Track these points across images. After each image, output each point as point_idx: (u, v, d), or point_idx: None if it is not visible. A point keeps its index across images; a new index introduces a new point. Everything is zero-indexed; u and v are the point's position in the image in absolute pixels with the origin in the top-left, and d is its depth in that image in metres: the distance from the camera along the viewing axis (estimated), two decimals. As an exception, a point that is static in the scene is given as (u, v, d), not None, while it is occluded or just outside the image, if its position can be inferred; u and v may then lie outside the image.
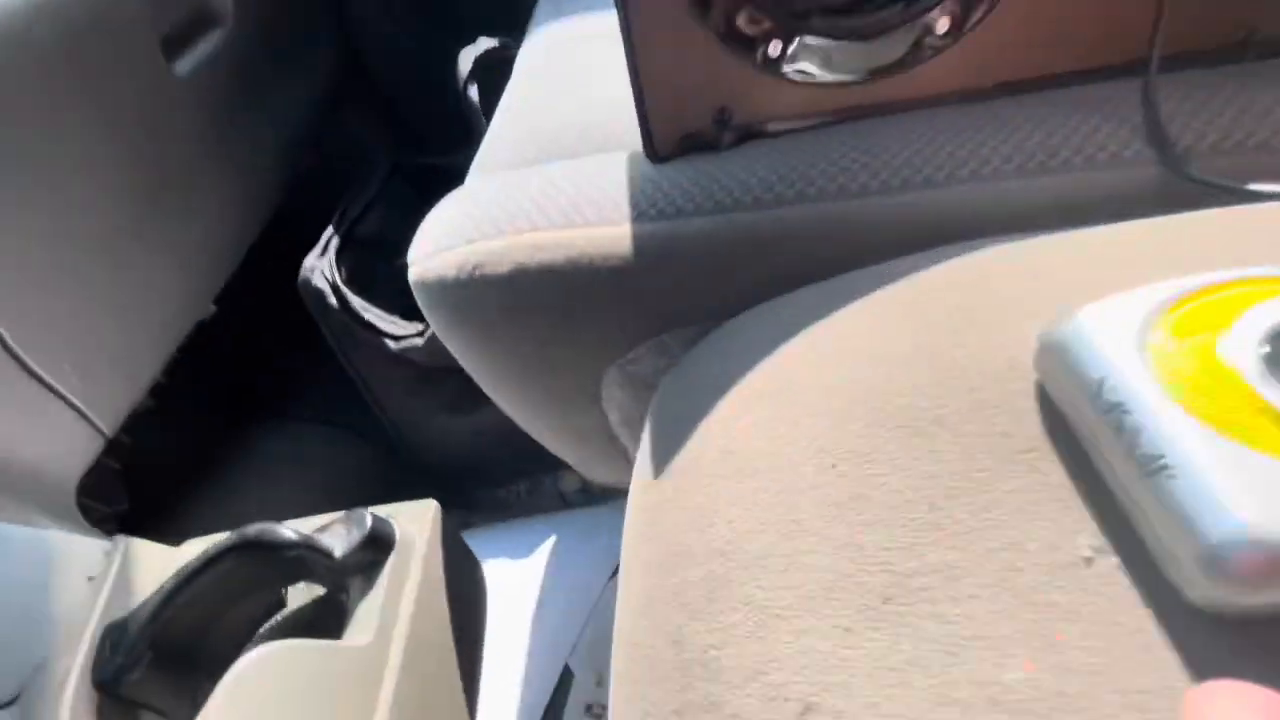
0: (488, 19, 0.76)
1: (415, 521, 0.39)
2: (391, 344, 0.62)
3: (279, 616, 0.38)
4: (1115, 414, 0.15)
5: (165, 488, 0.71)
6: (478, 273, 0.31)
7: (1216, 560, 0.12)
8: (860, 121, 0.31)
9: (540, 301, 0.31)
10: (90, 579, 0.37)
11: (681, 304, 0.30)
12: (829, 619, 0.18)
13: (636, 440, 0.38)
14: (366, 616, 0.34)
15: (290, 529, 0.34)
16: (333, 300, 0.62)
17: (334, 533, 0.36)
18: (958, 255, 0.23)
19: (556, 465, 0.50)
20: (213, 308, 0.74)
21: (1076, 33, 0.29)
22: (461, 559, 0.41)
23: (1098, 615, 0.13)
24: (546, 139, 0.40)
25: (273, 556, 0.34)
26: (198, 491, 0.74)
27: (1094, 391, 0.16)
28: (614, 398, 0.35)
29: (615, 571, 0.59)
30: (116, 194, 0.57)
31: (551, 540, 0.62)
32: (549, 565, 0.60)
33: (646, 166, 0.33)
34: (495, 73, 0.61)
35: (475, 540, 0.70)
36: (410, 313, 0.65)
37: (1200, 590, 0.13)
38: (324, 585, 0.38)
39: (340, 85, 0.85)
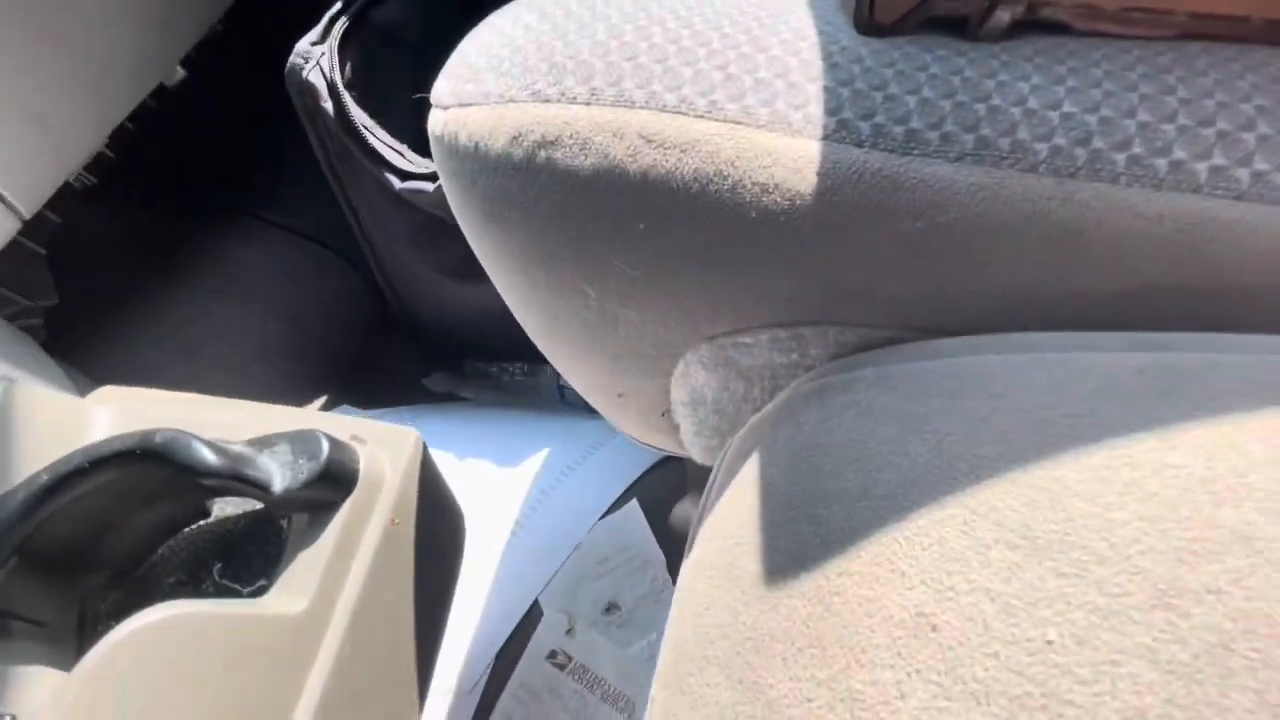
0: None
1: (388, 453, 0.30)
2: (395, 181, 0.49)
3: (200, 525, 0.30)
4: None
5: (103, 282, 0.61)
6: (542, 155, 0.19)
7: None
8: (1230, 49, 0.18)
9: (631, 229, 0.19)
10: (-40, 430, 0.28)
11: (864, 292, 0.18)
12: None
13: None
14: (305, 574, 0.26)
15: (211, 448, 0.24)
16: (327, 104, 0.48)
17: (277, 455, 0.27)
18: None
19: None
20: (180, 71, 0.59)
21: None
22: (439, 509, 0.33)
23: None
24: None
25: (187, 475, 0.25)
26: (143, 292, 0.64)
27: None
28: (692, 376, 0.24)
29: (608, 511, 0.53)
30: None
31: (544, 452, 0.55)
32: (535, 480, 0.53)
33: (852, 39, 0.19)
34: None
35: (456, 424, 0.62)
36: (426, 142, 0.51)
37: None
38: (258, 502, 0.29)
39: None
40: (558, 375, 0.68)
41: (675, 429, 0.30)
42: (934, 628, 0.12)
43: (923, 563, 0.13)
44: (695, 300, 0.20)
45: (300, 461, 0.26)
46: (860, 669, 0.13)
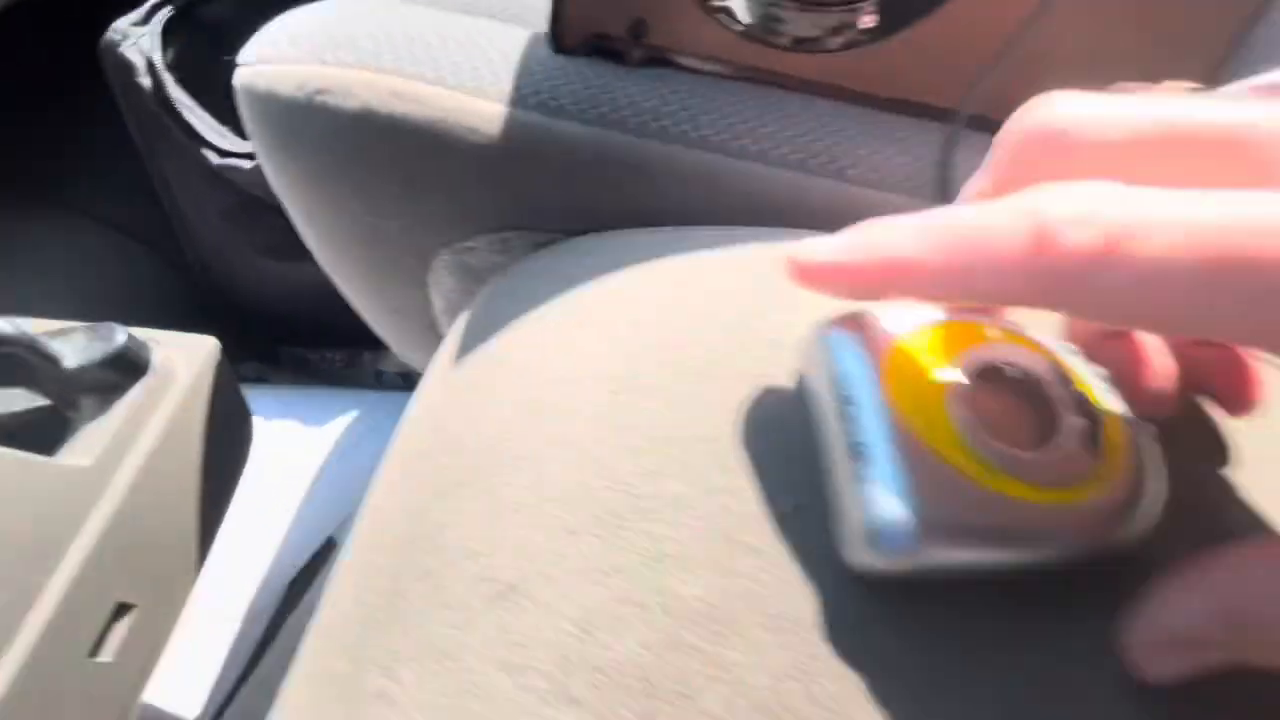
0: None
1: (184, 355, 0.34)
2: (212, 157, 0.53)
3: (-22, 414, 0.32)
4: (843, 404, 0.17)
5: None
6: (318, 99, 0.27)
7: (874, 534, 0.15)
8: (758, 86, 0.31)
9: (382, 157, 0.28)
10: None
11: (536, 206, 0.29)
12: (557, 520, 0.19)
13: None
14: (93, 437, 0.30)
15: (9, 322, 0.28)
16: (145, 80, 0.52)
17: (71, 340, 0.30)
18: (791, 239, 0.25)
19: (380, 343, 0.47)
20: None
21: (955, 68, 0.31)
22: (231, 408, 0.37)
23: (774, 555, 0.16)
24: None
25: (-20, 350, 0.28)
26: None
27: (834, 383, 0.18)
28: (442, 283, 0.33)
29: (411, 461, 0.58)
30: None
31: (350, 415, 0.59)
32: (340, 437, 0.57)
33: (545, 53, 0.30)
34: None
35: (266, 396, 0.64)
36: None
37: (856, 556, 0.15)
38: (47, 396, 0.32)
39: None
40: (375, 358, 0.73)
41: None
42: (544, 403, 0.22)
43: (544, 354, 0.23)
44: (433, 213, 0.30)
45: (94, 345, 0.30)
46: (490, 425, 0.22)
